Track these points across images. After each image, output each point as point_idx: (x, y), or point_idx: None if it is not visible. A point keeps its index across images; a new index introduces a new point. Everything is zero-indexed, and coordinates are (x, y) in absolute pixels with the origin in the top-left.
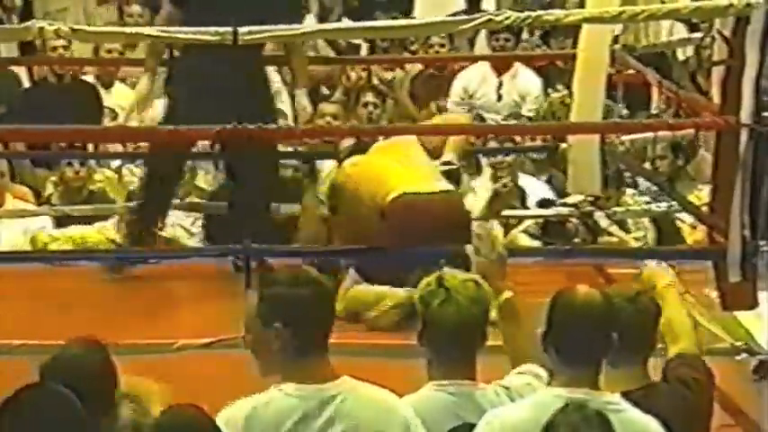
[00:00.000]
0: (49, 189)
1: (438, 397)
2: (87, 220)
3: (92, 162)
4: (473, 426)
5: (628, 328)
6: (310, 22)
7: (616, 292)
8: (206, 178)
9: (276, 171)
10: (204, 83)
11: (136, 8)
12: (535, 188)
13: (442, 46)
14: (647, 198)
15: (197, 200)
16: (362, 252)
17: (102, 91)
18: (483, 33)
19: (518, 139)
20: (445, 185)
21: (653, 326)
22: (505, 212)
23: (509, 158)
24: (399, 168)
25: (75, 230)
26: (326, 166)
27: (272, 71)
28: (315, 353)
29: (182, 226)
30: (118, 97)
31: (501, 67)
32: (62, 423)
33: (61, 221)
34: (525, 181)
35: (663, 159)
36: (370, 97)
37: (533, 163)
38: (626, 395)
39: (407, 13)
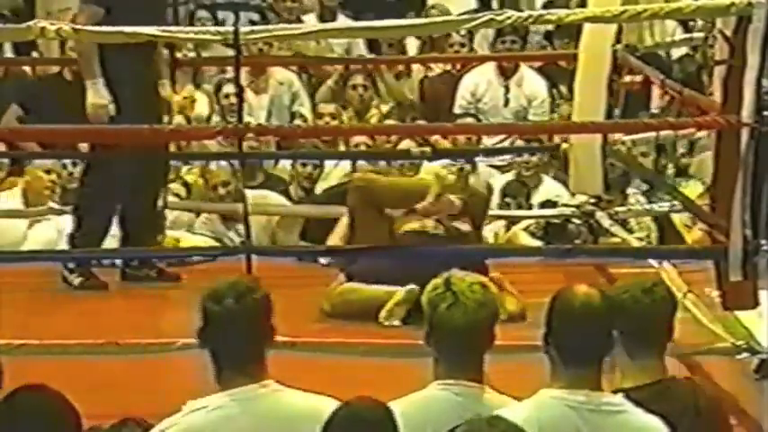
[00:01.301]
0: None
1: (441, 396)
2: None
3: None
4: None
5: (644, 319)
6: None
7: (632, 284)
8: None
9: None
10: (140, 82)
11: None
12: (555, 191)
13: (463, 45)
14: (642, 198)
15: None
16: (362, 252)
17: None
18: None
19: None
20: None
21: (669, 317)
22: (509, 212)
23: (535, 158)
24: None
25: None
26: (326, 167)
27: (290, 74)
28: (231, 365)
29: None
30: None
31: (507, 70)
32: (55, 425)
33: None
34: (547, 183)
35: (645, 157)
36: (359, 80)
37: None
38: (635, 392)
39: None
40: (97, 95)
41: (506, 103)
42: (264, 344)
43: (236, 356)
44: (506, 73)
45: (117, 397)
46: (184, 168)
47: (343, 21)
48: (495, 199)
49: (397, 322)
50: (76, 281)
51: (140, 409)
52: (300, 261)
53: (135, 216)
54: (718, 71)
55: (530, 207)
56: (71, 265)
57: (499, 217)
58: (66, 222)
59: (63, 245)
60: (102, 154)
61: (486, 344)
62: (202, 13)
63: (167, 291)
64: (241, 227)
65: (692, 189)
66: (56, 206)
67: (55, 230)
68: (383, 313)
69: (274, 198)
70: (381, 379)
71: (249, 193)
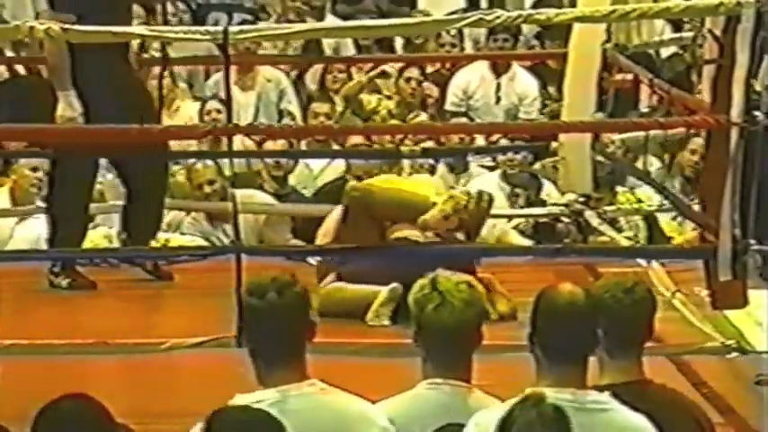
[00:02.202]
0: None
1: (429, 395)
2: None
3: None
4: (462, 426)
5: (624, 319)
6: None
7: (612, 283)
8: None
9: (166, 169)
10: (118, 86)
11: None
12: (548, 189)
13: (454, 46)
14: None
15: None
16: (352, 252)
17: None
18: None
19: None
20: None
21: (649, 317)
22: (495, 211)
23: (519, 156)
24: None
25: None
26: (317, 165)
27: (277, 71)
28: (274, 360)
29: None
30: None
31: (499, 67)
32: None
33: None
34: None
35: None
36: (414, 73)
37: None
38: (617, 389)
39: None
40: (68, 108)
41: (498, 100)
42: (305, 339)
43: (279, 352)
44: (499, 70)
45: (106, 397)
46: None
47: (331, 20)
48: (506, 191)
49: (386, 321)
50: (64, 282)
51: (129, 410)
52: (289, 260)
53: (137, 215)
54: (707, 71)
55: (540, 201)
56: (56, 268)
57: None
58: None
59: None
60: (69, 154)
61: (474, 343)
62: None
63: (157, 290)
64: (228, 227)
65: None
66: (43, 205)
67: (41, 229)
68: (370, 314)
69: (261, 197)
70: (370, 379)
71: (236, 192)
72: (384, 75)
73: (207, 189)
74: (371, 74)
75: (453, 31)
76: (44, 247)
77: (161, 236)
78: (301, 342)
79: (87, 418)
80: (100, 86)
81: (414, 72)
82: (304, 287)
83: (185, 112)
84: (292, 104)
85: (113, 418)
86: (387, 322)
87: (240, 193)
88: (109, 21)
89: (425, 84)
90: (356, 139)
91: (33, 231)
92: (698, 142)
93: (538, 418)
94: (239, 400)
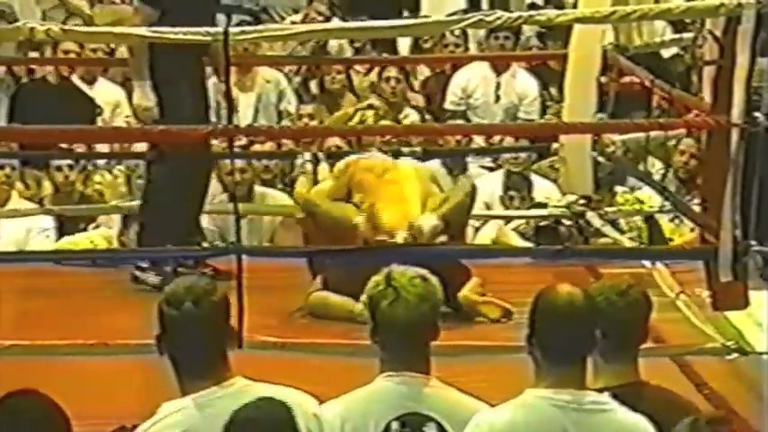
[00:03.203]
0: (46, 189)
1: (384, 387)
2: (86, 220)
3: (88, 165)
4: (419, 415)
5: (618, 321)
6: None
7: (607, 286)
8: None
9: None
10: (190, 83)
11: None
12: (546, 190)
13: (457, 46)
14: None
15: None
16: (348, 253)
17: (85, 87)
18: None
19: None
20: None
21: (644, 320)
22: (498, 213)
23: (524, 155)
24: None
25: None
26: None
27: (277, 72)
28: (193, 369)
29: None
30: (103, 94)
31: (499, 65)
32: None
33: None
34: (537, 182)
35: None
36: (393, 72)
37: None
38: (615, 391)
39: (415, 10)
40: (144, 98)
41: (497, 99)
42: (225, 345)
43: (197, 361)
44: (499, 68)
45: (106, 398)
46: None
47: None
48: (498, 193)
49: None
50: (154, 279)
51: (130, 410)
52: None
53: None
54: (708, 72)
55: (532, 200)
56: (145, 264)
57: (492, 217)
58: (37, 221)
59: (31, 243)
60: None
61: (430, 336)
62: None
63: (157, 291)
64: (244, 223)
65: None
66: (27, 205)
67: (24, 229)
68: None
69: (278, 197)
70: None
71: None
72: (371, 108)
73: (237, 177)
74: (358, 106)
75: (457, 32)
76: (31, 243)
77: None
78: (220, 350)
79: (36, 415)
80: (175, 81)
81: (392, 71)
82: (223, 295)
83: None
84: (291, 105)
85: (66, 415)
86: None
87: (257, 191)
88: (191, 22)
89: (411, 95)
90: None
91: (19, 229)
92: (687, 143)
93: None
94: (164, 409)
